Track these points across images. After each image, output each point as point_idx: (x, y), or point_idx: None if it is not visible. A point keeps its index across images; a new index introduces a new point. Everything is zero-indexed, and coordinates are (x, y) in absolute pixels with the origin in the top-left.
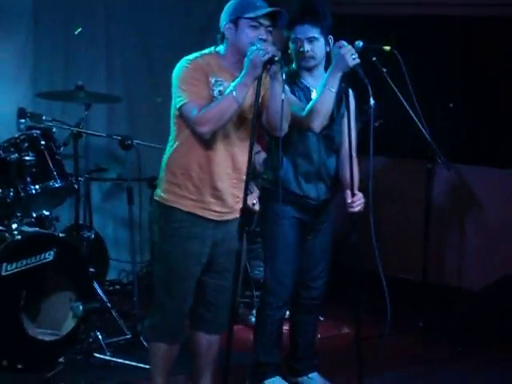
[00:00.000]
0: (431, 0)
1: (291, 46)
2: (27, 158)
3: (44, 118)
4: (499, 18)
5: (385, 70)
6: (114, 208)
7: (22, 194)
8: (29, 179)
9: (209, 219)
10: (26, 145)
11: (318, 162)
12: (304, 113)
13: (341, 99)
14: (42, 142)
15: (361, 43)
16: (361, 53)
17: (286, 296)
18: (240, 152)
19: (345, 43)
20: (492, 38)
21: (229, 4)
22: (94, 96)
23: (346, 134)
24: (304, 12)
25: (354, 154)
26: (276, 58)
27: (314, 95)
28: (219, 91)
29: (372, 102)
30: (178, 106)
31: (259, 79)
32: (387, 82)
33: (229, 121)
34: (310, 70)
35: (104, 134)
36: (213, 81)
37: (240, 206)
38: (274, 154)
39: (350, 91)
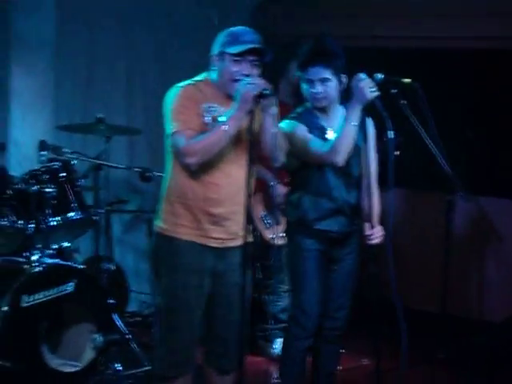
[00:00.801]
0: (446, 34)
1: (304, 86)
2: (48, 190)
3: (64, 150)
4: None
5: (404, 102)
6: (134, 240)
7: (43, 226)
8: (49, 211)
9: (209, 247)
10: (47, 177)
11: (338, 199)
12: (326, 148)
13: (357, 132)
14: (63, 174)
15: (380, 75)
16: (380, 85)
17: (311, 326)
18: (238, 177)
19: (363, 76)
20: (505, 70)
21: (219, 34)
22: (114, 128)
23: (365, 165)
24: (316, 53)
25: (375, 185)
26: (267, 92)
27: (328, 134)
28: (212, 117)
29: (390, 133)
30: (167, 134)
31: (252, 113)
32: (406, 114)
33: (218, 154)
34: (323, 110)
35: (124, 166)
36: (205, 107)
37: (242, 233)
38: (295, 191)
39: (369, 120)
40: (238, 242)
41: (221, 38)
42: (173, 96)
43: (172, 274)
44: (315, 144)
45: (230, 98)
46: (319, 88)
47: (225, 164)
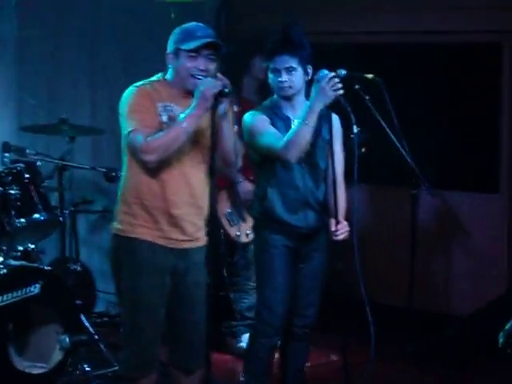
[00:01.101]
0: (414, 28)
1: (270, 76)
2: (12, 191)
3: (28, 151)
4: (483, 44)
5: (368, 97)
6: (100, 240)
7: (7, 228)
8: (13, 212)
9: (168, 247)
10: (11, 178)
11: (304, 190)
12: (280, 144)
13: (321, 123)
14: (27, 176)
15: (343, 71)
16: (344, 80)
17: (277, 324)
18: (196, 178)
19: (326, 71)
20: (473, 64)
21: (173, 32)
22: (78, 129)
23: (330, 160)
24: (282, 42)
25: (341, 180)
26: (226, 90)
27: (294, 125)
28: (169, 116)
29: (355, 129)
30: (124, 134)
31: (213, 110)
32: (370, 109)
33: (176, 151)
34: (289, 99)
35: (88, 167)
36: (161, 107)
37: (202, 234)
38: (261, 185)
39: (335, 117)
40: (196, 244)
41: (174, 35)
42: (129, 96)
43: (133, 274)
44: (270, 138)
45: (186, 97)
46: (285, 77)
47: (182, 164)
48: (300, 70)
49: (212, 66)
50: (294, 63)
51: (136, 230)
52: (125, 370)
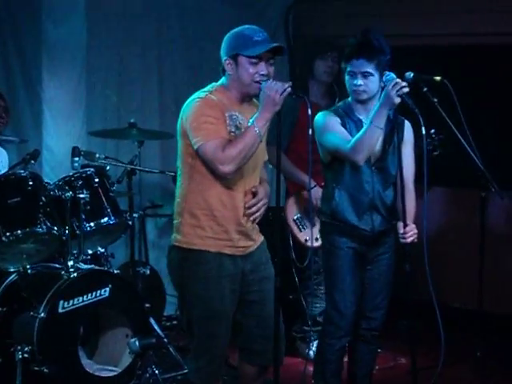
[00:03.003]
0: (477, 31)
1: (346, 77)
2: (81, 195)
3: (97, 155)
4: None
5: (436, 100)
6: (169, 243)
7: (77, 232)
8: (83, 217)
9: (236, 255)
10: (80, 183)
11: (372, 194)
12: (348, 145)
13: (393, 129)
14: (96, 180)
15: (411, 74)
16: (412, 84)
17: (346, 326)
18: (255, 182)
19: (392, 74)
20: None
21: (226, 38)
22: (147, 133)
23: (403, 164)
24: (361, 47)
25: (411, 183)
26: (289, 90)
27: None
28: (236, 126)
29: (424, 131)
30: (195, 147)
31: (279, 114)
32: (439, 112)
33: (251, 157)
34: (363, 103)
35: (157, 171)
36: (227, 116)
37: (259, 235)
38: (329, 185)
39: (407, 123)
40: (257, 244)
41: (230, 40)
42: (196, 108)
43: (204, 285)
44: (339, 138)
45: (243, 101)
46: (361, 81)
47: (245, 171)
48: (376, 76)
49: (272, 70)
50: (370, 68)
51: (207, 242)
52: (199, 379)
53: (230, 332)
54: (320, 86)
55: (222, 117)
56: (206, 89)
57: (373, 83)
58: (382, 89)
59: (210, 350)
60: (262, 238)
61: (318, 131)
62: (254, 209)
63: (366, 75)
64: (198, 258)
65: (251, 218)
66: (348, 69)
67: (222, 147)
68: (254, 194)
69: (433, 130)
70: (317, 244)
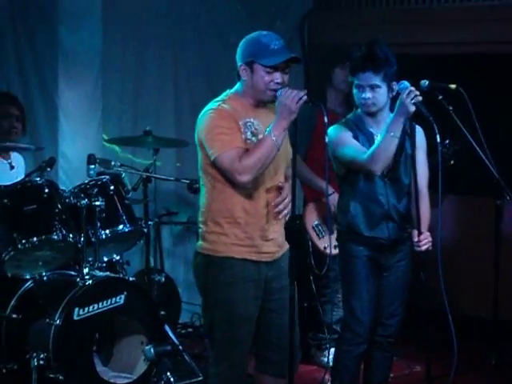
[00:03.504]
0: (490, 39)
1: (354, 91)
2: (97, 203)
3: (113, 163)
4: None
5: (451, 108)
6: (185, 251)
7: (93, 239)
8: (99, 224)
9: (261, 261)
10: (96, 190)
11: (387, 205)
12: (365, 156)
13: (404, 137)
14: (112, 188)
15: (426, 82)
16: (427, 92)
17: (363, 333)
18: (275, 188)
19: (406, 83)
20: None
21: (243, 43)
22: (162, 141)
23: (417, 173)
24: (366, 59)
25: (425, 192)
26: (305, 98)
27: (377, 139)
28: (251, 132)
29: (438, 139)
30: (212, 159)
31: (295, 123)
32: (453, 120)
33: (269, 165)
34: (372, 115)
35: (172, 178)
36: (242, 124)
37: (285, 241)
38: (344, 198)
39: (419, 129)
40: (283, 250)
41: (247, 47)
42: (210, 119)
43: (228, 291)
44: (354, 150)
45: (258, 106)
46: (368, 94)
47: (265, 177)
48: (384, 88)
49: (287, 78)
50: (377, 81)
51: (232, 248)
52: None
53: (251, 338)
54: (338, 94)
55: (235, 126)
56: (219, 98)
57: (381, 95)
58: (393, 98)
59: (232, 355)
60: (287, 246)
61: (332, 145)
62: (281, 206)
63: (373, 88)
64: (222, 263)
65: (280, 216)
66: (355, 82)
67: (238, 157)
68: (280, 189)
69: (447, 141)
70: (335, 251)
